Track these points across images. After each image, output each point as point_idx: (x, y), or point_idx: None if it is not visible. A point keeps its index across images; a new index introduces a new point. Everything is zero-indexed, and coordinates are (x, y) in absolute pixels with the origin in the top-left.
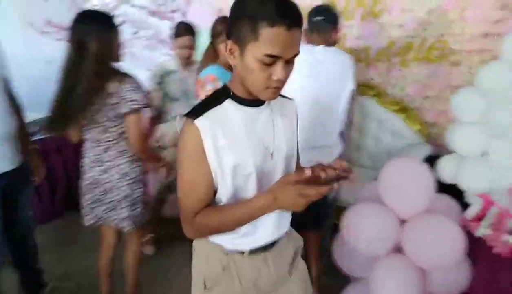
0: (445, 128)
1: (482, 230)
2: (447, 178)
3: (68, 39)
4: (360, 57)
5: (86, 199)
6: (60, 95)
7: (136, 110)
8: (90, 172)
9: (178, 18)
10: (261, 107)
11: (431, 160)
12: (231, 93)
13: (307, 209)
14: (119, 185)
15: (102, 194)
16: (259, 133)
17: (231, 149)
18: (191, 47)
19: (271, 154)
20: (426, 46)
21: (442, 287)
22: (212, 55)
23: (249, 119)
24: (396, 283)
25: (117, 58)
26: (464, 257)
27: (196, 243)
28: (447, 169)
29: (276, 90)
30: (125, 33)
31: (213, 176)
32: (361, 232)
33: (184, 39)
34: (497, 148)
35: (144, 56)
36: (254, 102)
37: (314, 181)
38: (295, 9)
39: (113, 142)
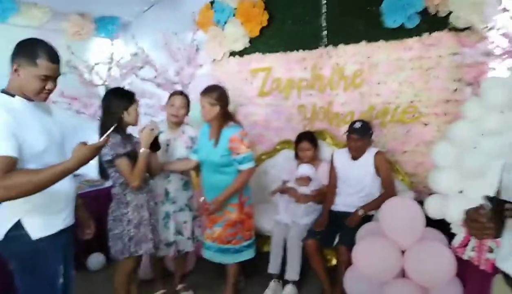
0: (423, 177)
1: (468, 253)
2: (433, 214)
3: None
4: (346, 120)
5: None
6: None
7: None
8: None
9: (177, 88)
10: None
11: None
12: None
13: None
14: None
15: None
16: None
17: None
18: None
19: None
20: (399, 111)
21: None
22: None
23: None
24: None
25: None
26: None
27: None
28: (433, 207)
29: None
30: None
31: None
32: (370, 261)
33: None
34: (470, 185)
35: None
36: None
37: None
38: None
39: None
